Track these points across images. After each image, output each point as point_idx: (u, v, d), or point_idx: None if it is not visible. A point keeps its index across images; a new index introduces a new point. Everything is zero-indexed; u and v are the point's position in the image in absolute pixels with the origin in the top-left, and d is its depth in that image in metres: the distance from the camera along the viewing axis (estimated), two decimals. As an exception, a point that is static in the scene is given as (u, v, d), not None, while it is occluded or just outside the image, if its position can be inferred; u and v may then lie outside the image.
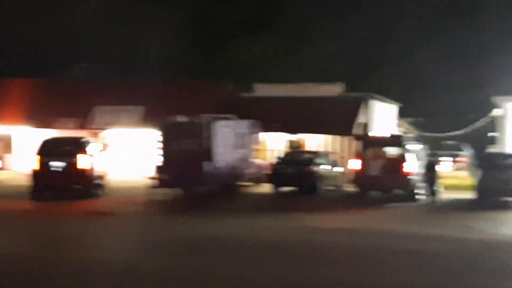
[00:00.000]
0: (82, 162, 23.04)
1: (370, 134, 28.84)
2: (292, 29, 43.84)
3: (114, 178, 26.76)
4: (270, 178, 25.81)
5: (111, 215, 19.13)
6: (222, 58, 42.77)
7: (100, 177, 24.41)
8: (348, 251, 13.94)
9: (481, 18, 42.08)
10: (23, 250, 13.86)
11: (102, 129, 32.20)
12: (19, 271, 11.69)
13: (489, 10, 42.10)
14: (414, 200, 22.79)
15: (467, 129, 39.41)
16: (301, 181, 24.96)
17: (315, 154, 26.72)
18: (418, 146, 24.65)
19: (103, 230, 16.82)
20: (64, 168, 22.91)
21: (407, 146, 23.46)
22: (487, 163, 23.40)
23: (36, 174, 23.00)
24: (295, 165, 25.34)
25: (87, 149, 23.54)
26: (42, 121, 32.40)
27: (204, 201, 22.86)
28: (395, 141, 24.13)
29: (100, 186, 24.30)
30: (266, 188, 26.12)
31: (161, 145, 23.88)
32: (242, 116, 27.48)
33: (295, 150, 30.57)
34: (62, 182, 22.93)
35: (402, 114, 38.50)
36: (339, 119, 30.34)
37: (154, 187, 23.40)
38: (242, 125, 26.58)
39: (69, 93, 33.69)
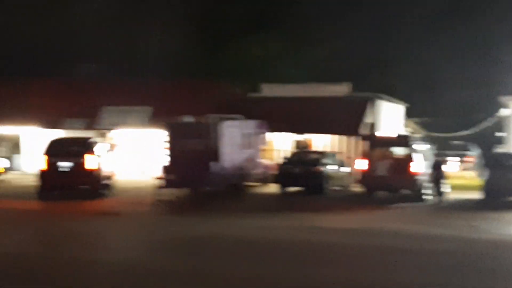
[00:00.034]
0: (90, 162, 23.11)
1: (377, 134, 28.80)
2: (298, 28, 43.86)
3: (121, 178, 26.85)
4: (276, 178, 25.83)
5: (118, 215, 19.20)
6: (229, 58, 42.82)
7: (108, 177, 24.48)
8: (353, 251, 13.95)
9: (488, 17, 42.00)
10: (28, 249, 13.94)
11: (110, 129, 32.30)
12: (23, 271, 11.75)
13: (497, 9, 42.03)
14: (422, 200, 22.77)
15: (474, 129, 39.34)
16: (308, 181, 24.98)
17: (322, 154, 26.72)
18: (425, 146, 24.62)
19: (110, 230, 16.88)
20: (72, 168, 22.98)
21: (414, 146, 23.44)
22: (494, 163, 23.37)
23: (43, 174, 23.09)
24: (302, 165, 25.35)
25: (94, 149, 23.62)
26: (50, 122, 32.54)
27: (210, 201, 22.90)
28: (402, 141, 24.10)
29: (107, 186, 24.38)
30: (272, 188, 26.14)
31: (167, 145, 23.93)
32: (248, 116, 27.51)
33: (302, 150, 30.58)
34: (69, 182, 22.99)
35: (409, 114, 38.45)
36: (346, 119, 30.32)
37: (160, 187, 23.45)
38: (249, 125, 26.60)
39: (76, 93, 33.82)
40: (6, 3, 43.34)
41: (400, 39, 44.43)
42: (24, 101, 33.68)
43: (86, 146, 23.68)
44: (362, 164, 23.62)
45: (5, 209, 20.60)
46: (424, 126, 41.53)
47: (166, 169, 23.64)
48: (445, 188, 23.58)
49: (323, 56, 42.93)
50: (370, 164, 23.26)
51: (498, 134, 35.27)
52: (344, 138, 31.24)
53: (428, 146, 25.00)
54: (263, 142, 28.17)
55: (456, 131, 39.95)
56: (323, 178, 24.96)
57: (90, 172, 23.05)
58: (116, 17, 42.10)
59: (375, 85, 36.79)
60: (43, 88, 34.59)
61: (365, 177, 23.44)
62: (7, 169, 31.18)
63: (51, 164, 23.00)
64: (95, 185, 23.29)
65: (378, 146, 23.91)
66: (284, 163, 25.93)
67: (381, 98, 33.06)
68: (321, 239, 15.19)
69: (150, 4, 45.01)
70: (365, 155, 23.98)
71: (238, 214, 19.57)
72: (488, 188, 22.41)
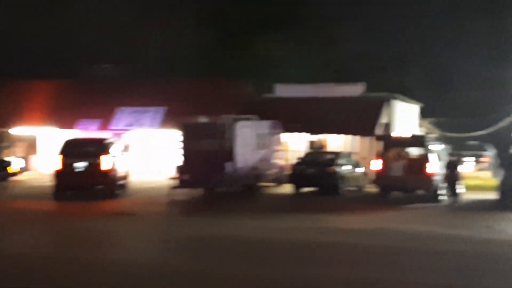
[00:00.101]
0: (105, 162, 23.19)
1: (392, 134, 28.69)
2: (313, 28, 43.80)
3: (135, 178, 26.94)
4: (290, 179, 25.79)
5: (133, 215, 19.26)
6: (243, 58, 42.84)
7: (122, 178, 24.58)
8: (367, 252, 13.91)
9: (504, 17, 41.69)
10: (42, 250, 14.04)
11: (125, 130, 32.43)
12: (38, 271, 11.82)
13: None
14: (437, 200, 22.66)
15: (490, 129, 39.08)
16: (322, 181, 24.92)
17: (337, 154, 26.62)
18: (440, 146, 24.50)
19: (125, 230, 16.93)
20: (87, 169, 23.07)
21: (429, 146, 23.33)
22: (510, 163, 23.18)
23: (58, 174, 23.20)
24: (316, 165, 25.30)
25: (109, 149, 23.70)
26: (65, 122, 32.73)
27: (224, 202, 22.92)
28: (417, 141, 24.00)
29: (122, 186, 24.48)
30: (287, 188, 26.12)
31: (182, 145, 23.97)
32: (263, 116, 27.51)
33: (317, 150, 30.53)
34: (84, 183, 23.09)
35: (424, 114, 38.28)
36: (361, 119, 30.22)
37: (174, 187, 23.50)
38: (263, 126, 26.59)
39: (92, 94, 33.99)
40: (24, 6, 43.65)
41: (416, 39, 44.26)
42: (40, 102, 33.91)
43: (101, 146, 23.78)
44: (377, 165, 23.54)
45: (20, 209, 20.77)
46: (439, 126, 41.32)
47: (180, 169, 23.69)
48: (460, 188, 23.46)
49: (338, 56, 42.84)
50: (384, 165, 23.18)
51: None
52: (359, 138, 31.13)
53: (443, 146, 24.88)
54: (278, 142, 28.12)
55: (471, 131, 39.70)
56: (337, 178, 24.88)
57: (105, 173, 23.13)
58: (130, 17, 42.27)
59: (389, 85, 36.64)
60: (59, 89, 34.82)
61: (380, 178, 23.37)
62: (22, 169, 31.40)
63: (66, 164, 23.10)
64: (110, 185, 23.37)
65: (393, 146, 23.81)
66: (298, 164, 25.88)
67: (395, 98, 32.93)
68: (335, 240, 15.15)
69: (165, 3, 45.12)
70: (379, 156, 23.89)
71: (252, 214, 19.56)
72: (504, 188, 22.22)
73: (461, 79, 43.34)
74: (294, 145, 31.88)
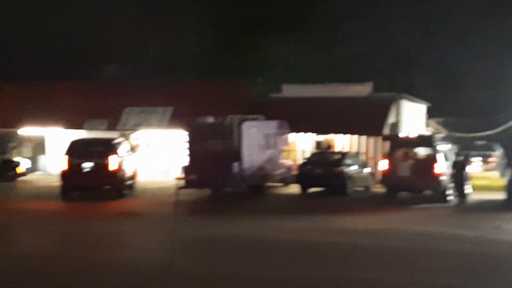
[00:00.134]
0: (112, 163, 23.24)
1: (400, 134, 28.64)
2: (319, 28, 43.74)
3: (143, 178, 26.97)
4: (297, 179, 25.77)
5: (140, 215, 19.29)
6: (250, 58, 42.83)
7: (130, 178, 24.63)
8: (374, 252, 13.89)
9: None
10: (49, 250, 14.09)
11: (132, 130, 32.49)
12: (46, 271, 11.86)
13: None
14: (445, 201, 22.61)
15: (498, 129, 38.93)
16: (330, 182, 24.90)
17: (344, 154, 26.59)
18: (447, 146, 24.45)
19: (131, 230, 16.98)
20: (94, 169, 23.10)
21: (437, 146, 23.27)
22: (518, 163, 23.13)
23: (65, 175, 23.25)
24: (324, 165, 25.27)
25: (116, 150, 23.74)
26: (73, 123, 32.82)
27: (232, 202, 22.93)
28: (425, 141, 23.95)
29: (129, 186, 24.53)
30: (294, 189, 26.10)
31: (188, 145, 23.97)
32: (270, 116, 27.49)
33: (324, 150, 30.50)
34: (92, 183, 23.13)
35: (431, 113, 38.17)
36: (369, 119, 30.12)
37: (181, 187, 23.50)
38: (271, 126, 26.56)
39: (99, 95, 34.07)
40: (29, 7, 43.81)
41: (423, 38, 44.14)
42: (49, 103, 34.02)
43: (108, 146, 23.82)
44: (384, 165, 23.50)
45: (28, 209, 20.83)
46: (447, 126, 41.20)
47: (187, 169, 23.70)
48: (468, 188, 23.41)
49: (345, 56, 42.77)
50: (392, 165, 23.13)
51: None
52: (366, 138, 31.07)
53: (450, 146, 24.82)
54: (286, 142, 28.09)
55: (479, 131, 39.57)
56: (345, 178, 24.84)
57: (113, 173, 23.17)
58: (136, 18, 42.33)
59: (396, 85, 36.56)
60: (66, 90, 34.89)
61: (387, 178, 23.32)
62: (30, 170, 31.52)
63: (74, 165, 23.14)
64: (118, 185, 23.42)
65: (400, 146, 23.77)
66: (305, 164, 25.86)
67: (403, 98, 32.85)
68: (341, 240, 15.14)
69: (170, 4, 45.16)
70: (387, 156, 23.85)
71: (258, 215, 19.58)
72: (511, 188, 22.17)
73: (469, 79, 43.20)
74: (302, 145, 31.86)
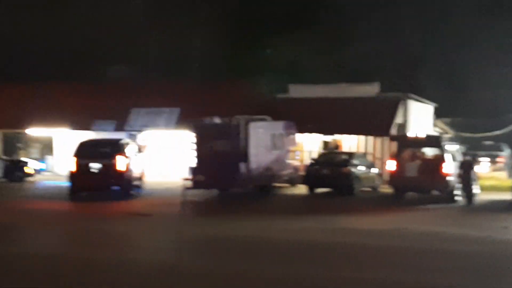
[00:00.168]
0: (120, 163, 23.30)
1: (407, 134, 28.59)
2: (326, 29, 43.69)
3: (151, 179, 27.02)
4: (304, 180, 25.75)
5: (148, 215, 19.31)
6: (257, 59, 42.84)
7: (138, 178, 24.68)
8: (383, 252, 13.86)
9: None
10: (58, 250, 14.12)
11: (139, 131, 32.56)
12: (54, 271, 11.90)
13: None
14: (453, 201, 22.56)
15: (506, 129, 38.82)
16: (337, 182, 24.88)
17: (351, 155, 26.57)
18: (455, 147, 24.39)
19: (138, 230, 16.99)
20: (102, 170, 23.18)
21: (445, 147, 23.22)
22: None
23: (73, 176, 23.33)
24: (331, 166, 25.26)
25: (124, 150, 23.81)
26: (81, 123, 32.92)
27: (239, 203, 22.94)
28: (433, 141, 23.91)
29: (137, 187, 24.58)
30: (301, 189, 26.09)
31: (195, 146, 23.98)
32: (277, 117, 27.49)
33: (331, 151, 30.48)
34: (100, 183, 23.21)
35: (439, 114, 38.09)
36: (376, 119, 30.09)
37: (188, 188, 23.53)
38: (278, 126, 26.55)
39: (107, 96, 34.17)
40: (36, 9, 43.94)
41: (430, 38, 44.02)
42: (56, 104, 34.14)
43: (116, 147, 23.90)
44: (391, 165, 23.46)
45: (36, 209, 20.88)
46: (454, 126, 41.10)
47: (194, 170, 23.71)
48: (476, 189, 23.36)
49: (352, 56, 42.71)
50: (399, 165, 23.10)
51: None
52: (374, 138, 31.04)
53: (457, 146, 24.77)
54: (293, 143, 28.07)
55: (487, 131, 39.45)
56: (352, 179, 24.83)
57: (121, 173, 23.24)
58: (144, 19, 42.41)
59: (404, 85, 36.49)
60: (74, 91, 35.05)
61: (395, 178, 23.28)
62: (38, 171, 31.63)
63: (81, 166, 23.22)
64: (125, 186, 23.48)
65: (407, 146, 23.74)
66: (313, 164, 25.85)
67: (410, 98, 32.81)
68: (349, 241, 15.12)
69: (177, 5, 45.20)
70: (394, 156, 23.82)
71: (265, 215, 19.56)
72: (520, 189, 22.13)
73: (476, 79, 43.05)
74: (309, 145, 31.85)
